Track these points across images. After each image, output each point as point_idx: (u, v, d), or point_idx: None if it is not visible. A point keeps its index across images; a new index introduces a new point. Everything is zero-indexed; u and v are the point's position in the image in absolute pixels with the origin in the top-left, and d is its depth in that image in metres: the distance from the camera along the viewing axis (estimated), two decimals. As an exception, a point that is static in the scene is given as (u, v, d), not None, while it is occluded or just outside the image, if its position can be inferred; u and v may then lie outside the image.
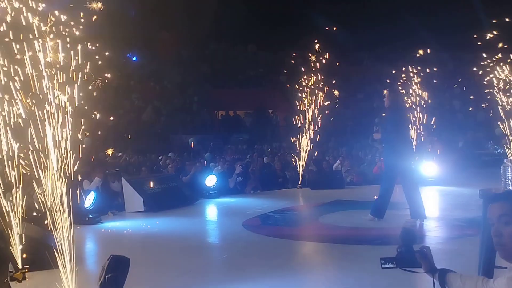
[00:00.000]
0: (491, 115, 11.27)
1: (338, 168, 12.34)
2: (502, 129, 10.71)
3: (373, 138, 8.46)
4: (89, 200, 7.75)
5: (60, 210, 4.67)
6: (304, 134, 11.63)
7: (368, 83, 19.31)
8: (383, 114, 9.06)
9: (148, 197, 8.78)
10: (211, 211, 9.28)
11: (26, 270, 5.09)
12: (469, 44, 12.68)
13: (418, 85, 11.84)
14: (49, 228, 5.67)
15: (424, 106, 11.65)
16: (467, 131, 14.29)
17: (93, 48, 5.29)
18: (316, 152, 12.04)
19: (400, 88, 9.76)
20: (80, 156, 4.83)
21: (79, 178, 5.13)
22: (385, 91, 7.54)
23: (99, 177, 8.32)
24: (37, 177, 4.65)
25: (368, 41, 20.38)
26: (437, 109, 13.37)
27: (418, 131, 11.51)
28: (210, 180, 10.36)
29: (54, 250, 5.01)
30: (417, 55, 12.64)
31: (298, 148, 11.71)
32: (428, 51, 12.97)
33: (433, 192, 10.31)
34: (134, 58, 25.26)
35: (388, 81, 12.13)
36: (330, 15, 18.68)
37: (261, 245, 6.48)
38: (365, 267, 4.96)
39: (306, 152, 11.64)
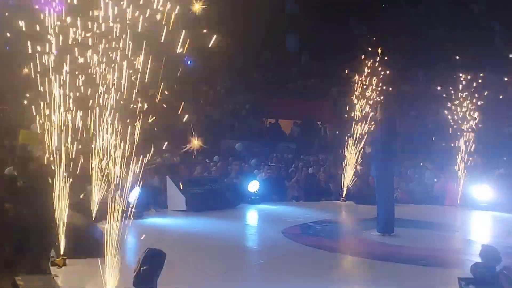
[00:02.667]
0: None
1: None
2: None
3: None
4: (134, 195, 7.88)
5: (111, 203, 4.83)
6: (351, 148, 11.41)
7: (422, 101, 18.78)
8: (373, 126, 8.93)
9: (191, 197, 8.87)
10: (252, 216, 9.25)
11: (67, 257, 5.23)
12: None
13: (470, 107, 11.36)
14: (93, 219, 5.86)
15: (475, 127, 11.17)
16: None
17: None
18: (361, 166, 11.77)
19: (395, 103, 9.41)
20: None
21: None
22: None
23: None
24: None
25: (426, 59, 19.84)
26: (491, 132, 12.78)
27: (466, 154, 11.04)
28: (253, 186, 10.34)
29: (97, 240, 5.15)
30: (468, 77, 12.07)
31: (345, 161, 11.50)
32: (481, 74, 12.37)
33: (486, 217, 9.83)
34: (189, 62, 25.75)
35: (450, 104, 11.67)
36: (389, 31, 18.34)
37: (300, 254, 6.38)
38: (404, 285, 4.77)
39: (353, 166, 11.41)
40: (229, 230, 7.68)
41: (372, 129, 10.56)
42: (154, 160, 11.19)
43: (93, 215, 5.88)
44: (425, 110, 16.01)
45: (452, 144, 11.26)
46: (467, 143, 11.08)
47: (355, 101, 11.69)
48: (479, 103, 11.35)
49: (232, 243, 6.77)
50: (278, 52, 25.19)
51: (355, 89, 11.88)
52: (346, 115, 11.89)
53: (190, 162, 10.81)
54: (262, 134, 21.96)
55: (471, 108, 11.36)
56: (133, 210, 7.79)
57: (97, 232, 5.50)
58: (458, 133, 11.26)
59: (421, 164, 12.67)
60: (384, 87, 12.00)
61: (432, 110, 13.62)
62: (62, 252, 5.22)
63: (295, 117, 23.13)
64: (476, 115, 11.32)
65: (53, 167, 5.13)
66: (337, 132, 12.12)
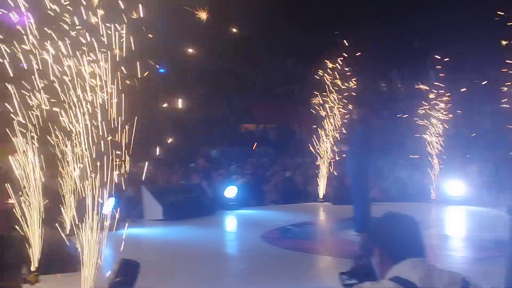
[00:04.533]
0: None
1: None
2: None
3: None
4: (109, 206, 7.75)
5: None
6: (325, 150, 11.48)
7: (395, 101, 19.05)
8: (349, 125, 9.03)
9: (167, 206, 8.76)
10: (231, 222, 9.20)
11: (39, 273, 5.09)
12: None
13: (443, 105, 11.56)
14: (68, 233, 5.71)
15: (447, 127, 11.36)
16: (498, 150, 13.87)
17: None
18: (337, 167, 11.84)
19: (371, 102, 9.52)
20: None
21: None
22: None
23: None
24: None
25: (398, 59, 20.12)
26: (464, 128, 13.03)
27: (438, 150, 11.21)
28: (231, 191, 10.29)
29: (71, 254, 5.02)
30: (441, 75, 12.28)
31: (320, 163, 11.57)
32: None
33: (459, 212, 10.00)
34: (161, 70, 25.56)
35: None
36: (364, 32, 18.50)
37: (279, 258, 6.36)
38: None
39: (328, 167, 11.48)
40: (207, 237, 7.61)
41: (346, 128, 10.69)
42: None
43: (67, 229, 5.75)
44: (400, 107, 16.19)
45: (426, 141, 11.44)
46: (440, 139, 11.27)
47: (328, 101, 11.78)
48: (450, 101, 11.57)
49: (210, 250, 6.71)
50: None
51: (329, 90, 11.96)
52: (319, 116, 11.95)
53: (166, 171, 10.73)
54: (239, 139, 22.00)
55: (444, 105, 11.57)
56: (108, 222, 7.70)
57: (71, 246, 5.36)
58: (432, 130, 11.44)
59: (397, 162, 12.82)
60: (358, 87, 12.13)
61: (407, 108, 13.79)
62: (34, 268, 5.08)
63: (272, 121, 23.26)
64: (448, 112, 11.54)
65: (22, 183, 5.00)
66: (312, 134, 12.13)
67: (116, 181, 7.75)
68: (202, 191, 9.87)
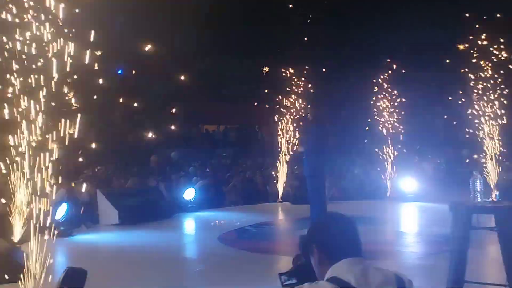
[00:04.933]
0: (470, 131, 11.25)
1: (320, 183, 12.25)
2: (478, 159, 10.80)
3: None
4: (61, 212, 7.57)
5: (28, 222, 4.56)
6: (283, 150, 11.58)
7: (352, 100, 19.38)
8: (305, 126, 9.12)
9: (124, 210, 8.61)
10: (188, 224, 9.14)
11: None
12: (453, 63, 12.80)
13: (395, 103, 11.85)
14: (16, 242, 5.51)
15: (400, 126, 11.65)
16: (449, 149, 14.37)
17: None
18: (296, 167, 11.96)
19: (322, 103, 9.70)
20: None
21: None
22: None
23: (63, 187, 8.11)
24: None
25: (355, 59, 20.46)
26: (417, 125, 13.39)
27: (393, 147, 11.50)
28: (189, 193, 10.22)
29: (18, 264, 4.84)
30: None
31: (279, 163, 11.65)
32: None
33: (412, 208, 10.29)
34: (119, 71, 25.17)
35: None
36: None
37: (236, 259, 6.36)
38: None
39: (287, 167, 11.58)
40: (164, 241, 7.52)
41: (304, 129, 10.78)
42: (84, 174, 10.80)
43: (16, 237, 5.55)
44: (355, 107, 16.48)
45: (383, 140, 11.70)
46: (394, 138, 11.55)
47: (288, 103, 11.88)
48: (403, 99, 11.87)
49: (167, 254, 6.64)
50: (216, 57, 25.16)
51: (290, 90, 12.06)
52: (277, 116, 12.03)
53: (122, 174, 10.55)
54: (199, 141, 21.85)
55: (397, 103, 11.86)
56: (61, 228, 7.51)
57: (18, 255, 5.19)
58: (385, 129, 11.72)
59: (355, 161, 13.07)
60: (313, 88, 12.28)
61: (362, 107, 14.06)
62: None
63: (233, 122, 23.21)
64: (402, 109, 11.84)
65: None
66: (272, 135, 12.22)
67: (70, 185, 7.58)
68: (160, 194, 9.76)
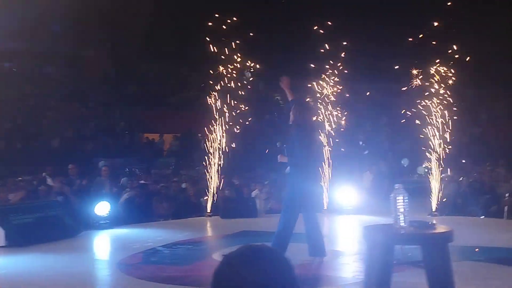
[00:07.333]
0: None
1: (257, 195, 11.31)
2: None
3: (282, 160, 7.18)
4: None
5: None
6: (213, 158, 10.58)
7: (278, 103, 18.73)
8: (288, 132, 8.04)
9: (13, 229, 7.29)
10: (91, 245, 7.86)
11: None
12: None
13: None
14: None
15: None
16: (391, 159, 13.77)
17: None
18: (224, 177, 10.95)
19: (309, 102, 8.68)
20: None
21: None
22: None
23: None
24: None
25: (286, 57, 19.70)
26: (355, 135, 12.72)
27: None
28: (102, 208, 8.97)
29: None
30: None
31: (209, 173, 10.62)
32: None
33: (350, 222, 9.42)
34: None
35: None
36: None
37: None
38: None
39: (217, 177, 10.54)
40: (50, 268, 6.26)
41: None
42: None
43: None
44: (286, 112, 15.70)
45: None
46: (332, 147, 10.74)
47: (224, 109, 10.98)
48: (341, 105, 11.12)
49: (45, 284, 5.42)
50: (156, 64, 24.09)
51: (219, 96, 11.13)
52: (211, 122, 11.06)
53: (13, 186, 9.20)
54: (139, 150, 20.66)
55: (337, 110, 11.08)
56: None
57: None
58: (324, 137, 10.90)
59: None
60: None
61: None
62: None
63: (175, 130, 22.17)
64: (341, 117, 11.07)
65: None
66: (210, 143, 11.17)
67: None
68: (63, 209, 8.42)
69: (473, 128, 17.66)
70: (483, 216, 9.81)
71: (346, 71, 11.01)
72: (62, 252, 7.08)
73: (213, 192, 10.48)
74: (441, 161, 9.93)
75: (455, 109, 10.25)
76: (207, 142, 11.04)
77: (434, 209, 9.55)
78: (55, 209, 8.24)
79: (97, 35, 22.93)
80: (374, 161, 12.53)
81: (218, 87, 10.92)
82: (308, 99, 9.77)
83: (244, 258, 1.39)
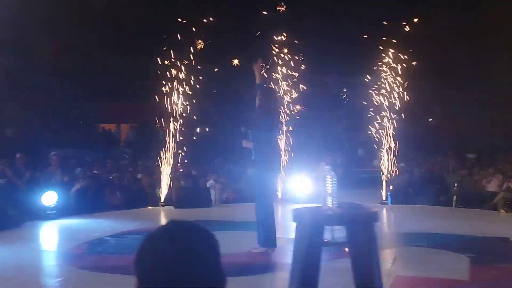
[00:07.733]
0: (369, 132, 10.76)
1: (212, 185, 11.22)
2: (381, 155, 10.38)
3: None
4: None
5: None
6: (167, 148, 10.44)
7: (236, 91, 18.66)
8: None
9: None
10: (35, 236, 7.58)
11: None
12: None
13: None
14: None
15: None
16: (347, 149, 13.96)
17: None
18: (180, 167, 10.83)
19: (274, 89, 8.50)
20: None
21: None
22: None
23: None
24: None
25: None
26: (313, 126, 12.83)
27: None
28: (49, 198, 8.67)
29: None
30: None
31: (161, 163, 10.48)
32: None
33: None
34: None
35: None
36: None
37: (70, 280, 5.04)
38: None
39: (171, 166, 10.41)
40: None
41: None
42: None
43: None
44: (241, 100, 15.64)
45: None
46: (289, 138, 10.78)
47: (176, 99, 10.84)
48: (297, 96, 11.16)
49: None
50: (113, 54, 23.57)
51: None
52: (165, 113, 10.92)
53: None
54: (95, 140, 20.19)
55: (292, 99, 11.11)
56: None
57: None
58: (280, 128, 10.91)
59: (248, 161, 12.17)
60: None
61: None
62: None
63: (132, 120, 21.79)
64: (296, 107, 11.11)
65: None
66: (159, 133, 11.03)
67: None
68: (4, 199, 8.06)
69: (426, 120, 18.14)
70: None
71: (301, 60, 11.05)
72: (5, 244, 6.78)
73: (167, 183, 10.34)
74: (392, 152, 10.12)
75: (407, 100, 10.45)
76: (165, 132, 10.91)
77: (384, 198, 9.73)
78: (-4, 198, 7.88)
79: (50, 23, 22.25)
80: (331, 151, 12.65)
81: (173, 75, 10.78)
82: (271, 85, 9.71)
83: (165, 232, 1.34)
